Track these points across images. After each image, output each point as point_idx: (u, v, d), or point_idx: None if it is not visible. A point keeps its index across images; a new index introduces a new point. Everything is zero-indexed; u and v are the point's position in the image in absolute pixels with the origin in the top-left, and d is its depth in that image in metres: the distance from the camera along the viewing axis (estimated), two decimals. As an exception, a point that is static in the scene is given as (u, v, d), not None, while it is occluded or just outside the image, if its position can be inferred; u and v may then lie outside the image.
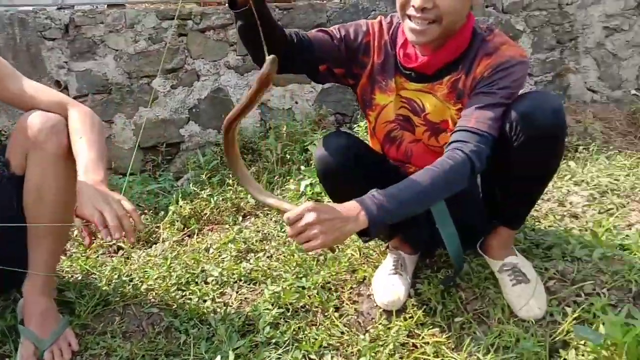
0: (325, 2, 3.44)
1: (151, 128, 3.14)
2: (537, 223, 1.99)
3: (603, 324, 1.31)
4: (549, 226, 1.96)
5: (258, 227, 2.15)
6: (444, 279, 1.65)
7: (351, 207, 1.18)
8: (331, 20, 3.34)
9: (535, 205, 2.08)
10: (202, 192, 2.43)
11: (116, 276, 1.80)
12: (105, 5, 3.16)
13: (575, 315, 1.42)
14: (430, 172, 1.25)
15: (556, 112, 1.31)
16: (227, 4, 1.24)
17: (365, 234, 1.25)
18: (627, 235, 1.80)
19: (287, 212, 1.17)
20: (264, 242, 2.02)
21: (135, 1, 3.25)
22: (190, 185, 2.59)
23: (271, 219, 2.24)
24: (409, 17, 1.32)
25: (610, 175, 2.32)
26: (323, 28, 1.47)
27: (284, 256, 1.86)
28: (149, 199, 2.61)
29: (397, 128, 1.53)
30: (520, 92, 1.39)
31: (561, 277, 1.64)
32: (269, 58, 1.06)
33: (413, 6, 1.29)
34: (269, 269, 1.79)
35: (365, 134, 2.77)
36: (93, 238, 1.27)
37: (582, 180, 2.29)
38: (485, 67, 1.36)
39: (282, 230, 2.10)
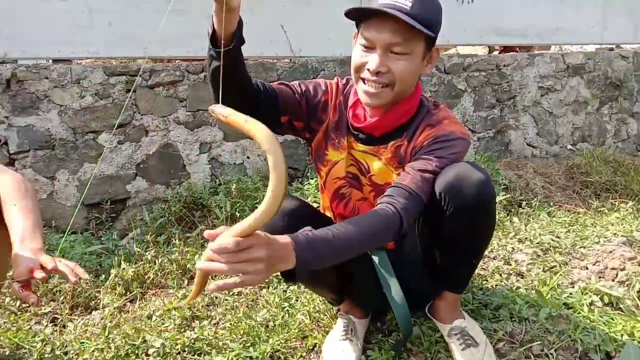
0: (275, 61, 3.50)
1: (96, 184, 3.04)
2: (484, 282, 2.02)
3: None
4: (496, 285, 1.99)
5: (204, 291, 2.07)
6: (394, 343, 1.63)
7: (285, 245, 1.09)
8: (281, 78, 3.39)
9: (482, 264, 2.12)
10: (147, 253, 2.33)
11: (49, 349, 1.67)
12: (51, 60, 3.10)
13: (524, 380, 1.42)
14: (362, 222, 1.25)
15: (482, 183, 1.33)
16: (209, 43, 1.24)
17: (288, 276, 1.15)
18: (570, 294, 1.85)
19: (237, 233, 1.01)
20: (210, 307, 1.94)
21: (83, 57, 3.20)
22: (135, 245, 2.49)
23: (219, 281, 2.17)
24: (363, 79, 1.37)
25: (552, 233, 2.39)
26: (285, 82, 1.50)
27: (231, 323, 1.78)
28: (90, 259, 2.49)
29: (346, 185, 1.55)
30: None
31: (510, 338, 1.65)
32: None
33: (368, 69, 1.33)
34: (214, 338, 1.71)
35: (316, 190, 2.77)
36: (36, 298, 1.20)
37: (526, 238, 2.36)
38: (425, 137, 1.41)
39: (230, 294, 2.03)
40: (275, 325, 1.76)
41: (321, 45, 3.48)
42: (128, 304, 2.06)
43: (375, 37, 1.31)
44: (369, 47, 1.33)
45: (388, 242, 1.29)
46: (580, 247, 2.24)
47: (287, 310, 1.86)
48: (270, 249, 1.04)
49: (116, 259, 2.33)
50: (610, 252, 2.09)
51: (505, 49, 4.76)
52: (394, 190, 1.33)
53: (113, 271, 2.18)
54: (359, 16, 1.36)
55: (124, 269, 2.19)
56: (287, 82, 1.51)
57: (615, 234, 2.34)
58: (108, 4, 3.09)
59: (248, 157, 3.40)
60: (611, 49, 4.69)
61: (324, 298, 1.82)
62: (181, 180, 3.23)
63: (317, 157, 1.58)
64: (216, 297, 2.02)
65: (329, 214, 1.67)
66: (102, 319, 1.91)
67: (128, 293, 2.11)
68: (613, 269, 1.98)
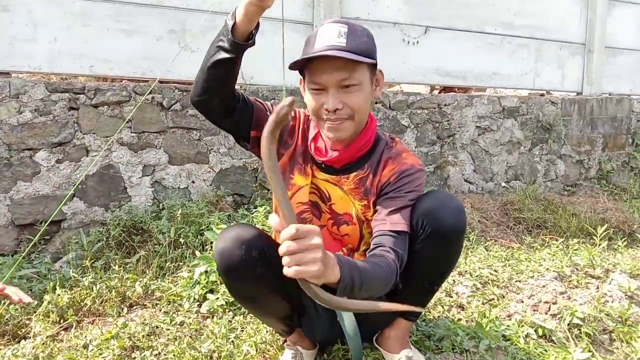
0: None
1: (30, 204, 2.88)
2: (427, 313, 2.06)
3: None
4: (438, 316, 2.04)
5: (145, 319, 1.99)
6: (343, 375, 1.63)
7: (332, 256, 1.08)
8: (231, 104, 3.38)
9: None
10: (84, 278, 2.23)
11: (-28, 382, 1.55)
12: (-12, 72, 2.95)
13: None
14: (381, 264, 1.28)
15: (458, 210, 1.44)
16: (228, 34, 1.29)
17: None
18: (508, 326, 1.92)
19: (291, 223, 1.00)
20: (152, 337, 1.87)
21: (23, 71, 3.06)
22: (70, 270, 2.37)
23: (160, 310, 2.10)
24: (324, 119, 1.41)
25: (490, 267, 2.50)
26: (258, 99, 1.52)
27: (174, 354, 1.72)
28: (20, 284, 2.34)
29: (307, 211, 1.57)
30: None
31: (452, 370, 1.69)
32: (288, 98, 1.03)
33: (326, 110, 1.37)
34: (156, 369, 1.65)
35: (264, 218, 2.76)
36: None
37: (466, 271, 2.44)
38: (390, 171, 1.47)
39: (172, 323, 1.97)
40: (220, 356, 1.72)
41: (272, 74, 3.51)
42: (62, 332, 1.95)
43: (325, 79, 1.37)
44: (321, 89, 1.39)
45: (389, 289, 1.32)
46: (516, 281, 2.35)
47: (233, 341, 1.82)
48: (323, 242, 1.01)
49: (50, 284, 2.20)
50: (544, 286, 2.21)
51: (445, 89, 5.00)
52: (384, 240, 1.37)
53: (46, 297, 2.07)
54: (302, 65, 1.42)
55: (58, 295, 2.08)
56: (260, 100, 1.53)
57: (547, 269, 2.48)
58: (54, 19, 3.00)
59: (193, 182, 3.35)
60: (542, 95, 5.02)
61: (272, 329, 1.81)
62: (121, 203, 3.13)
63: None
64: (157, 327, 1.95)
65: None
66: (33, 348, 1.79)
67: (62, 321, 2.01)
68: (546, 302, 2.09)
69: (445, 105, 4.28)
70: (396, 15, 4.14)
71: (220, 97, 1.39)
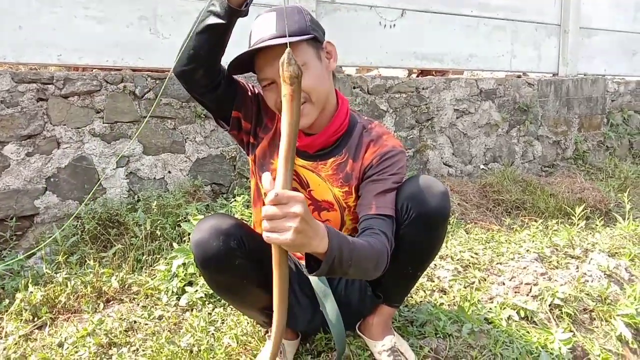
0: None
1: (0, 199, 2.79)
2: (409, 299, 2.06)
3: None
4: (420, 301, 2.03)
5: (122, 314, 1.94)
6: (327, 364, 1.62)
7: (320, 223, 1.06)
8: (206, 91, 3.31)
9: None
10: (58, 274, 2.16)
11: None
12: (-51, 63, 2.83)
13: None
14: (372, 243, 1.25)
15: (443, 194, 1.42)
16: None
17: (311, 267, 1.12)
18: (490, 309, 1.92)
19: (278, 187, 0.99)
20: (129, 333, 1.82)
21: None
22: (44, 266, 2.30)
23: (138, 305, 2.05)
24: None
25: (471, 250, 2.50)
26: (239, 78, 1.47)
27: (153, 350, 1.68)
28: (-9, 282, 2.27)
29: None
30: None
31: (435, 355, 1.69)
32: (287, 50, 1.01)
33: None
34: (135, 365, 1.61)
35: (243, 208, 2.71)
36: None
37: (447, 255, 2.44)
38: (372, 154, 1.45)
39: (150, 318, 1.93)
40: (200, 350, 1.68)
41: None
42: (36, 331, 1.89)
43: (268, 73, 1.34)
44: (271, 83, 1.36)
45: (380, 273, 1.29)
46: (497, 264, 2.35)
47: (213, 334, 1.79)
48: (307, 211, 0.99)
49: (22, 281, 2.14)
50: (524, 268, 2.21)
51: (422, 72, 4.98)
52: (372, 222, 1.34)
53: (19, 295, 2.00)
54: (241, 68, 1.38)
55: (31, 292, 2.02)
56: (243, 79, 1.48)
57: (527, 250, 2.49)
58: (18, 6, 2.88)
59: (169, 172, 3.28)
60: (519, 76, 5.04)
61: (253, 320, 1.78)
62: (95, 195, 3.05)
63: (260, 165, 1.54)
64: (135, 322, 1.90)
65: (259, 230, 1.63)
66: (4, 349, 1.73)
67: (36, 319, 1.94)
68: (527, 284, 2.10)
69: (423, 89, 4.27)
70: (372, -2, 4.09)
71: (206, 68, 1.33)
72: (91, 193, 2.93)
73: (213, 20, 1.26)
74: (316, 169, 1.49)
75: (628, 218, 3.06)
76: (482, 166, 4.71)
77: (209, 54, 1.31)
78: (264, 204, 1.55)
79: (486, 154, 4.69)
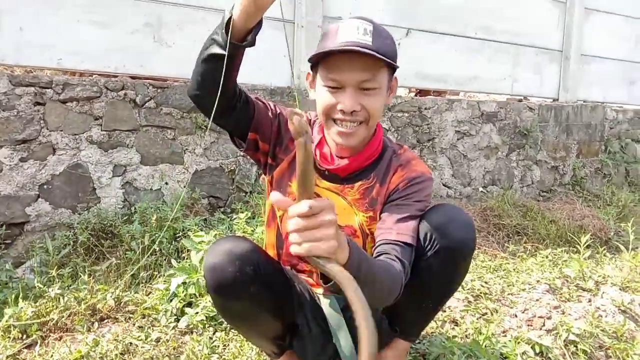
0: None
1: (-12, 205, 2.68)
2: (419, 329, 1.97)
3: None
4: (432, 333, 1.95)
5: (118, 335, 1.84)
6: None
7: (343, 235, 0.97)
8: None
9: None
10: (50, 289, 2.05)
11: None
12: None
13: None
14: (389, 267, 1.18)
15: (469, 226, 1.37)
16: (222, 31, 1.16)
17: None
18: (504, 344, 1.85)
19: (305, 198, 0.89)
20: (125, 356, 1.72)
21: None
22: (35, 279, 2.18)
23: (134, 325, 1.94)
24: (335, 120, 1.30)
25: (481, 279, 2.43)
26: (261, 98, 1.41)
27: (153, 377, 1.58)
28: (-23, 294, 2.15)
29: None
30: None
31: (449, 391, 1.61)
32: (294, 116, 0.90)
33: (341, 110, 1.28)
34: (132, 394, 1.51)
35: (245, 225, 2.62)
36: None
37: (456, 283, 2.36)
38: (399, 178, 1.39)
39: (148, 340, 1.82)
40: (202, 378, 1.59)
41: (253, 73, 3.38)
42: (25, 350, 1.78)
43: (345, 77, 1.26)
44: (337, 87, 1.28)
45: (391, 301, 1.21)
46: (509, 294, 2.28)
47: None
48: (336, 218, 0.91)
49: (11, 294, 2.02)
50: (537, 300, 2.15)
51: (421, 91, 4.95)
52: (389, 248, 1.27)
53: (8, 310, 1.89)
54: (319, 58, 1.30)
55: (21, 307, 1.90)
56: (262, 99, 1.41)
57: (538, 281, 2.42)
58: (20, 7, 2.79)
59: (166, 183, 3.18)
60: (520, 100, 5.03)
61: (261, 349, 1.68)
62: (89, 205, 2.94)
63: (278, 187, 1.46)
64: (131, 344, 1.80)
65: (271, 252, 1.55)
66: (-9, 370, 1.62)
67: (25, 337, 1.83)
68: (540, 317, 2.03)
69: (425, 109, 4.23)
70: (378, 15, 4.06)
71: (217, 94, 1.23)
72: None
73: (215, 50, 1.18)
74: (342, 192, 1.42)
75: (635, 249, 3.02)
76: (481, 189, 4.67)
77: (214, 82, 1.21)
78: (283, 228, 1.48)
79: (485, 176, 4.65)
